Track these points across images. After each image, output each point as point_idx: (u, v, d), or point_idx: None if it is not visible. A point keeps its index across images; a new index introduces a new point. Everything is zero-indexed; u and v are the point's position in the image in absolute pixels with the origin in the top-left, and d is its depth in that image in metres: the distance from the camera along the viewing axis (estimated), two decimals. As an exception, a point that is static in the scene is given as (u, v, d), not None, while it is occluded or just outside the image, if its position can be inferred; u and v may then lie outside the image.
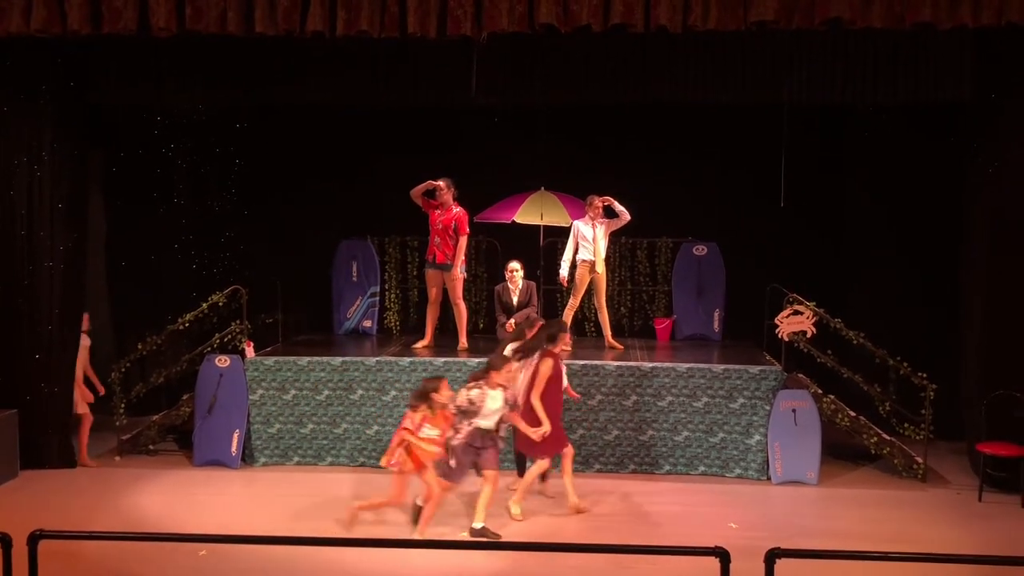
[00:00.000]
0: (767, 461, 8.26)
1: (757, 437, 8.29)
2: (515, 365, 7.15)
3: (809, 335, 8.55)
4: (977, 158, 8.30)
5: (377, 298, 10.35)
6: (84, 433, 8.57)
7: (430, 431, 6.73)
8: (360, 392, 8.57)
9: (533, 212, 9.53)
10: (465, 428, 6.84)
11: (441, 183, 8.71)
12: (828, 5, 6.74)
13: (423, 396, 6.77)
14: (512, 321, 8.79)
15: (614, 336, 9.52)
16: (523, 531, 6.96)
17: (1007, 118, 7.99)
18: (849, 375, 8.72)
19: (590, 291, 9.40)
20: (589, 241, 9.08)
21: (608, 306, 9.62)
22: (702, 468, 8.37)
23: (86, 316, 8.83)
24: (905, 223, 9.73)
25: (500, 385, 6.87)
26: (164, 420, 8.94)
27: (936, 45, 8.01)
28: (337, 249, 10.37)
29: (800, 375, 8.72)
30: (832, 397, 8.59)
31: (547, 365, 7.14)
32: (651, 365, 8.45)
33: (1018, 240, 7.99)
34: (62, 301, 8.42)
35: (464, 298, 9.16)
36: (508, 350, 7.41)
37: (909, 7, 6.70)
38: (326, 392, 8.59)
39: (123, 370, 8.93)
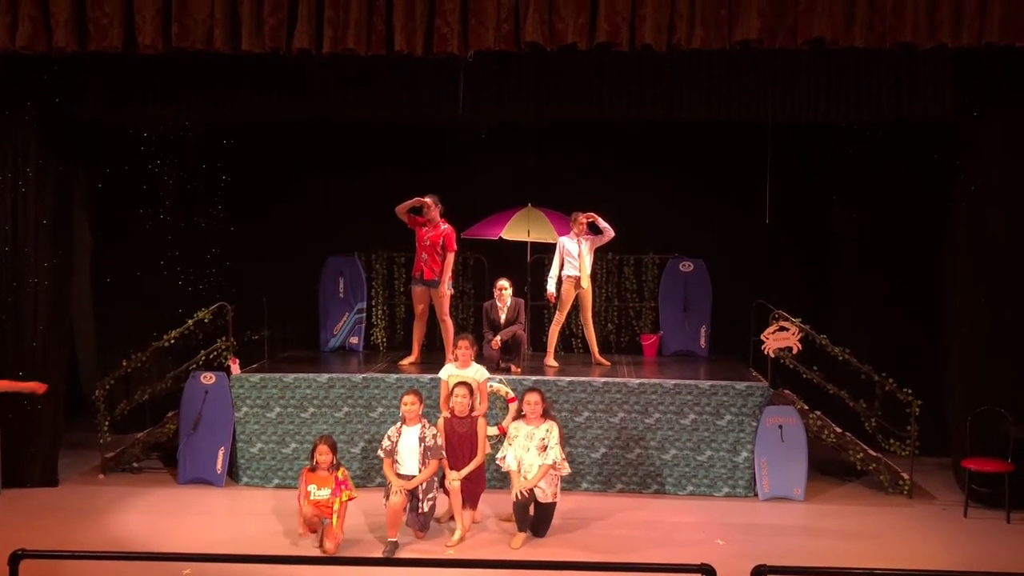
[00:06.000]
0: (754, 478, 8.27)
1: (744, 454, 8.30)
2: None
3: (795, 351, 8.59)
4: (959, 175, 8.37)
5: (364, 315, 10.34)
6: None
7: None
8: (346, 409, 8.54)
9: (520, 228, 9.55)
10: None
11: (428, 199, 8.71)
12: (811, 25, 6.81)
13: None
14: (498, 338, 8.80)
15: (601, 352, 9.54)
16: (506, 550, 6.94)
17: (988, 136, 8.07)
18: (835, 391, 8.74)
19: (576, 307, 9.42)
20: (575, 257, 9.11)
21: (595, 322, 9.63)
22: (690, 488, 8.36)
23: None
24: (889, 240, 9.80)
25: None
26: (148, 438, 8.87)
27: (917, 64, 8.10)
28: (324, 265, 10.35)
29: (786, 391, 8.74)
30: (818, 413, 8.61)
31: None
32: (638, 381, 8.45)
33: (1000, 257, 8.06)
34: (47, 318, 8.38)
35: (451, 315, 9.15)
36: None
37: (890, 27, 6.78)
38: (311, 409, 8.55)
39: (107, 387, 8.87)
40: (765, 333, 8.65)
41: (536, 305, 10.06)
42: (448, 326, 8.97)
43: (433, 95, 8.53)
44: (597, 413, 8.39)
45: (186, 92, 8.70)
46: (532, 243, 9.79)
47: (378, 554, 6.78)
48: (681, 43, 6.94)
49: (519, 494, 6.96)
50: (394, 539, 6.89)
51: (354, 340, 10.27)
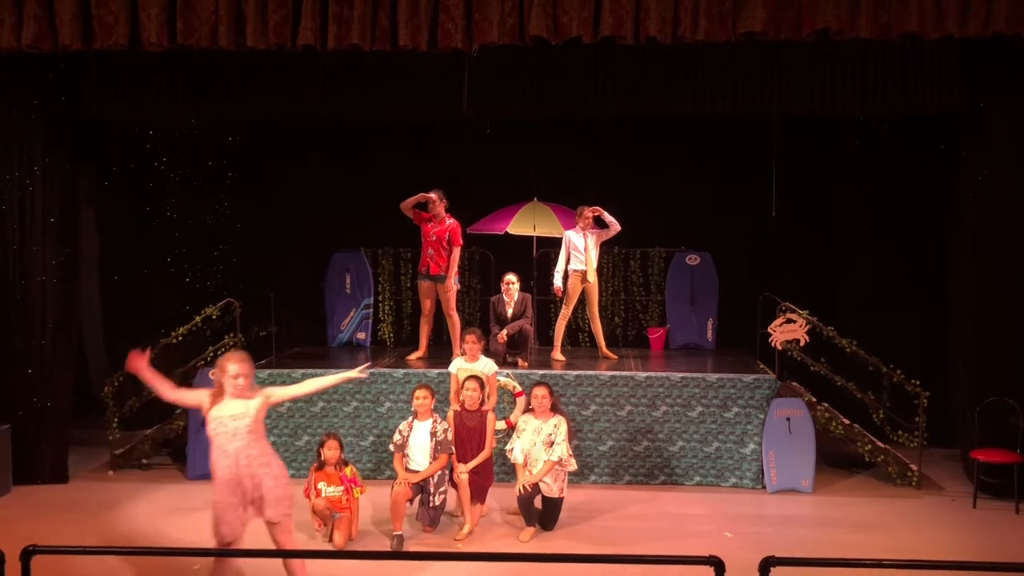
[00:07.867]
0: (762, 470, 8.27)
1: (752, 446, 8.30)
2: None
3: (802, 343, 8.58)
4: (966, 166, 8.34)
5: (371, 310, 10.36)
6: None
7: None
8: (354, 404, 8.56)
9: (526, 223, 9.56)
10: None
11: (433, 195, 8.72)
12: (816, 16, 6.79)
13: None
14: (505, 332, 8.81)
15: (608, 346, 9.54)
16: (515, 543, 6.96)
17: (995, 127, 8.04)
18: (842, 383, 8.74)
19: (583, 301, 9.43)
20: (580, 251, 9.11)
21: (601, 316, 9.64)
22: (697, 478, 8.37)
23: None
24: (896, 231, 9.78)
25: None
26: (157, 434, 8.91)
27: (924, 55, 8.07)
28: (330, 261, 10.37)
29: (794, 383, 8.73)
30: (826, 405, 8.61)
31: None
32: (645, 375, 8.46)
33: (1006, 248, 8.03)
34: (55, 316, 8.41)
35: (457, 309, 9.16)
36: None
37: (896, 18, 6.75)
38: (321, 404, 8.57)
39: (116, 384, 8.89)
40: (772, 325, 8.64)
41: (543, 299, 10.07)
42: (455, 321, 8.98)
43: (437, 91, 8.52)
44: (604, 406, 8.40)
45: (191, 89, 8.71)
46: (538, 237, 9.79)
47: (386, 547, 6.80)
48: (686, 36, 6.92)
49: (522, 488, 6.97)
50: (399, 532, 6.90)
51: (361, 335, 10.29)
